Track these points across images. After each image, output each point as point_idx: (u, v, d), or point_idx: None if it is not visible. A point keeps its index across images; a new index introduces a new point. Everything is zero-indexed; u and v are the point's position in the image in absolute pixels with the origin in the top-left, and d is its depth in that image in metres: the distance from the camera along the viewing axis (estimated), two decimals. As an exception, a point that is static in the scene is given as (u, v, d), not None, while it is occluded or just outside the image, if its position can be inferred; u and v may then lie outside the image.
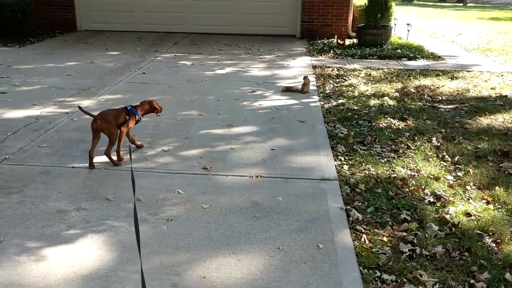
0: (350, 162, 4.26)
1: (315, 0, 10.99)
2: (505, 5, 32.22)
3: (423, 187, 3.82)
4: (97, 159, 4.08)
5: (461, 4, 32.29)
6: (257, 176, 3.87)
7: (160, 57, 8.80)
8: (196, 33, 11.57)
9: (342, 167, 4.14)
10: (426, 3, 34.15)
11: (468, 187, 3.83)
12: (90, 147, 3.99)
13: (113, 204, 3.38)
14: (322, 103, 6.07)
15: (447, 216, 3.34)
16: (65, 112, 5.40)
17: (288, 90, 6.52)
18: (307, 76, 6.45)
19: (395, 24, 10.87)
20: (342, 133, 4.96)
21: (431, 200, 3.60)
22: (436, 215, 3.39)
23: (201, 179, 3.80)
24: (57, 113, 5.39)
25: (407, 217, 3.33)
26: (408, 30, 11.06)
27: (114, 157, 4.07)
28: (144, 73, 7.47)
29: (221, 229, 3.09)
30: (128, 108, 4.14)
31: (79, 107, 4.05)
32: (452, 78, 7.58)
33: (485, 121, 5.52)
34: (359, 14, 10.58)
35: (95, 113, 4.03)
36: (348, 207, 3.44)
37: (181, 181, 3.76)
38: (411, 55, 9.19)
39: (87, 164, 3.97)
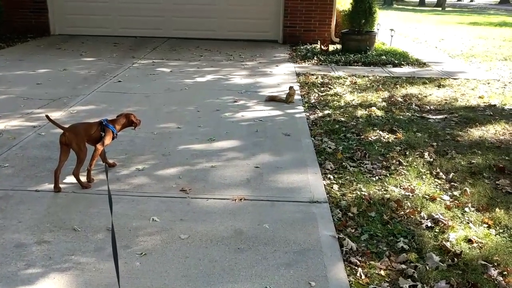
0: (340, 181, 3.97)
1: (297, 4, 10.74)
2: (482, 10, 32.62)
3: (419, 209, 3.55)
4: (66, 179, 3.71)
5: (440, 8, 32.56)
6: (241, 199, 3.55)
7: (137, 63, 8.42)
8: (176, 37, 11.20)
9: (332, 187, 3.86)
10: (406, 6, 34.41)
11: (466, 209, 3.58)
12: (56, 166, 3.62)
13: (80, 235, 3.02)
14: (308, 114, 5.79)
15: (448, 244, 3.07)
16: (32, 126, 5.00)
17: (271, 100, 6.22)
18: (292, 87, 6.16)
19: (378, 29, 10.68)
20: (329, 147, 4.68)
21: (429, 224, 3.33)
22: (435, 243, 3.12)
23: (179, 204, 3.47)
24: (23, 126, 4.99)
25: (404, 246, 3.05)
26: (392, 36, 10.90)
27: (83, 178, 3.70)
28: (119, 81, 7.09)
29: (201, 265, 2.76)
30: (104, 123, 3.78)
31: (47, 117, 3.63)
32: (439, 86, 7.40)
33: (476, 132, 5.31)
34: (343, 19, 10.36)
35: (66, 126, 3.67)
36: (341, 235, 3.15)
37: (157, 206, 3.42)
38: (396, 61, 9.00)
39: (52, 187, 3.60)
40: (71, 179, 3.71)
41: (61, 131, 3.59)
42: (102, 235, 3.02)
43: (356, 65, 8.81)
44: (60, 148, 3.61)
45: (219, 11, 11.11)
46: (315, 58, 9.23)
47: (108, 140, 3.79)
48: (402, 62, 9.01)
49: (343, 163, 4.32)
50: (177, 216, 3.29)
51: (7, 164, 4.03)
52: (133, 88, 6.67)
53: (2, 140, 4.58)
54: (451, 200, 3.74)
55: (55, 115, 5.34)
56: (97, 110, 5.60)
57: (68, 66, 8.00)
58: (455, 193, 3.85)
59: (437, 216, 3.41)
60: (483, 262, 2.90)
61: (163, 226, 3.15)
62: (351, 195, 3.73)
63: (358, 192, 3.77)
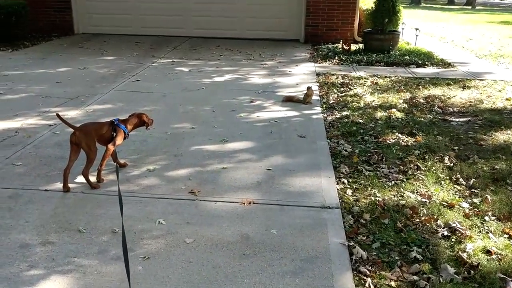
0: (354, 186, 3.84)
1: (320, 3, 10.58)
2: (514, 8, 31.62)
3: (435, 216, 3.40)
4: (77, 179, 3.69)
5: (470, 7, 31.73)
6: (250, 203, 3.46)
7: (157, 62, 8.43)
8: (196, 37, 11.20)
9: (345, 192, 3.73)
10: (434, 5, 33.67)
11: (486, 218, 3.40)
12: (66, 165, 3.61)
13: (85, 237, 2.99)
14: (325, 115, 5.66)
15: (464, 255, 2.92)
16: (47, 125, 5.03)
17: (289, 100, 6.12)
18: (310, 87, 6.03)
19: (402, 29, 10.44)
20: (346, 150, 4.55)
21: (445, 233, 3.18)
22: (451, 253, 2.97)
23: (187, 206, 3.40)
24: (39, 125, 5.02)
25: (418, 256, 2.91)
26: (417, 35, 10.63)
27: (93, 178, 3.68)
28: (138, 80, 7.10)
29: (204, 271, 2.69)
30: (115, 123, 3.75)
31: (58, 115, 3.62)
32: (463, 88, 7.15)
33: (501, 136, 5.09)
34: (366, 18, 10.16)
35: (78, 125, 3.66)
36: (351, 242, 3.03)
37: (164, 208, 3.37)
38: (419, 62, 8.75)
39: (62, 186, 3.59)
40: (81, 179, 3.69)
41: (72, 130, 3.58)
42: (106, 237, 2.98)
43: (378, 65, 8.61)
44: (70, 147, 3.60)
45: (240, 10, 11.05)
46: (336, 57, 9.06)
47: (119, 140, 3.76)
48: (426, 63, 8.76)
49: (359, 167, 4.19)
50: (184, 219, 3.23)
51: (20, 163, 4.04)
52: (150, 88, 6.67)
53: (18, 139, 4.61)
54: (470, 207, 3.57)
55: (71, 113, 5.36)
56: (113, 109, 5.60)
57: (88, 64, 8.07)
58: (475, 200, 3.68)
59: (454, 225, 3.25)
60: (502, 276, 2.74)
61: (169, 229, 3.09)
62: (364, 201, 3.60)
63: (372, 198, 3.64)
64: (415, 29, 10.78)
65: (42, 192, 3.54)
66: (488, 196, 3.69)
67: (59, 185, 3.63)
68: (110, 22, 11.35)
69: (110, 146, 3.71)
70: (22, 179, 3.75)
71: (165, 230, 3.09)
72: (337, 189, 3.75)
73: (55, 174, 3.85)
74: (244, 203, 3.46)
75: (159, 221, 3.18)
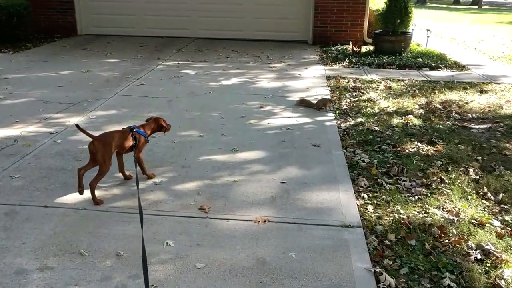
0: (375, 201, 3.58)
1: (328, 3, 10.31)
2: (522, 8, 31.24)
3: (465, 237, 3.14)
4: (77, 196, 3.46)
5: (476, 7, 31.35)
6: (265, 221, 3.21)
7: (162, 65, 8.18)
8: (202, 38, 10.95)
9: (366, 208, 3.47)
10: (440, 5, 33.30)
11: (521, 238, 3.14)
12: (82, 166, 3.46)
13: (87, 261, 2.74)
14: (339, 122, 5.40)
15: (502, 283, 2.66)
16: (48, 132, 4.78)
17: (302, 102, 5.87)
18: (331, 100, 5.77)
19: (413, 30, 10.16)
20: (363, 161, 4.29)
21: (478, 256, 2.92)
22: (487, 280, 2.71)
23: (197, 225, 3.15)
24: (40, 133, 4.78)
25: (451, 284, 2.65)
26: (428, 36, 10.35)
27: (98, 193, 3.43)
28: (143, 84, 6.85)
29: (217, 302, 2.44)
30: (134, 129, 3.54)
31: (77, 126, 3.37)
32: (481, 92, 6.87)
33: (526, 145, 4.82)
34: (376, 19, 9.91)
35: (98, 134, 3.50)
36: (377, 267, 2.77)
37: (173, 228, 3.11)
38: (433, 64, 8.48)
39: (63, 202, 3.35)
40: (85, 193, 3.44)
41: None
42: (110, 261, 2.73)
43: (390, 68, 8.34)
44: (89, 155, 3.43)
45: (247, 11, 10.79)
46: (346, 60, 8.80)
47: (142, 146, 3.67)
48: (440, 65, 8.49)
49: (379, 180, 3.93)
50: (194, 240, 2.98)
51: (18, 175, 3.80)
52: (155, 92, 6.42)
53: (16, 148, 4.37)
54: (502, 226, 3.30)
55: (73, 120, 5.12)
56: (117, 116, 5.36)
57: (91, 67, 7.83)
58: (507, 218, 3.41)
59: (487, 247, 2.99)
60: (546, 308, 2.48)
61: (178, 252, 2.84)
62: (387, 218, 3.34)
63: (396, 215, 3.37)
64: (426, 30, 10.50)
65: (41, 209, 3.30)
66: (521, 214, 3.42)
67: (60, 200, 3.39)
68: (114, 23, 11.11)
69: (140, 156, 3.64)
70: (20, 193, 3.51)
71: (174, 253, 2.84)
72: (357, 205, 3.49)
73: (55, 188, 3.61)
74: (259, 221, 3.20)
75: (167, 243, 2.93)
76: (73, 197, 3.45)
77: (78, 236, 2.98)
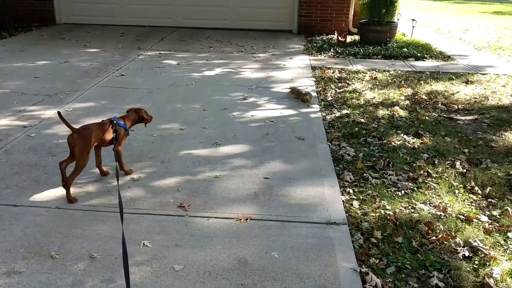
0: (361, 197, 3.48)
1: (313, -7, 10.14)
2: (505, -2, 31.40)
3: (453, 233, 3.06)
4: (49, 190, 3.28)
5: (461, -3, 31.38)
6: (247, 219, 3.08)
7: (143, 55, 7.96)
8: (185, 27, 10.70)
9: (352, 204, 3.37)
10: (425, -5, 33.25)
11: (509, 234, 3.07)
12: (62, 160, 3.32)
13: (58, 264, 2.59)
14: (324, 114, 5.27)
15: (491, 281, 2.58)
16: (22, 126, 4.58)
17: (293, 92, 5.74)
18: (310, 94, 5.61)
19: (398, 19, 10.06)
20: (348, 154, 4.18)
21: (466, 253, 2.84)
22: (476, 279, 2.63)
23: (176, 224, 3.01)
24: (13, 126, 4.57)
25: (439, 283, 2.56)
26: (413, 26, 10.26)
27: (73, 190, 3.26)
28: (122, 74, 6.64)
29: (196, 307, 2.31)
30: (114, 121, 3.38)
31: (59, 114, 3.19)
32: (466, 83, 6.81)
33: (512, 137, 4.76)
34: (361, 8, 9.78)
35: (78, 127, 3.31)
36: (363, 267, 2.67)
37: (150, 227, 2.97)
38: (418, 54, 8.39)
39: (35, 201, 3.19)
40: (56, 191, 3.28)
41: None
42: (82, 264, 2.58)
43: (376, 58, 8.23)
44: (69, 148, 3.27)
45: (231, 0, 10.57)
46: (331, 50, 8.67)
47: (123, 139, 3.52)
48: (425, 55, 8.41)
49: (364, 174, 3.83)
50: (173, 240, 2.84)
51: (-12, 172, 3.61)
52: (136, 83, 6.22)
53: (-13, 143, 4.17)
54: (490, 221, 3.23)
55: (48, 113, 4.92)
56: (95, 108, 5.17)
57: (70, 57, 7.57)
58: (494, 212, 3.34)
59: (475, 244, 2.91)
60: (536, 307, 2.41)
61: (155, 254, 2.70)
62: (373, 215, 3.24)
63: (382, 211, 3.28)
64: (411, 20, 10.40)
65: (10, 208, 3.13)
66: (509, 209, 3.35)
67: (32, 199, 3.22)
68: (94, 11, 10.79)
69: (119, 148, 3.48)
70: (-11, 191, 3.33)
71: (151, 255, 2.70)
72: (343, 201, 3.38)
73: (28, 185, 3.43)
74: (241, 219, 3.08)
75: (143, 243, 2.79)
76: (45, 195, 3.28)
77: (49, 237, 2.82)
